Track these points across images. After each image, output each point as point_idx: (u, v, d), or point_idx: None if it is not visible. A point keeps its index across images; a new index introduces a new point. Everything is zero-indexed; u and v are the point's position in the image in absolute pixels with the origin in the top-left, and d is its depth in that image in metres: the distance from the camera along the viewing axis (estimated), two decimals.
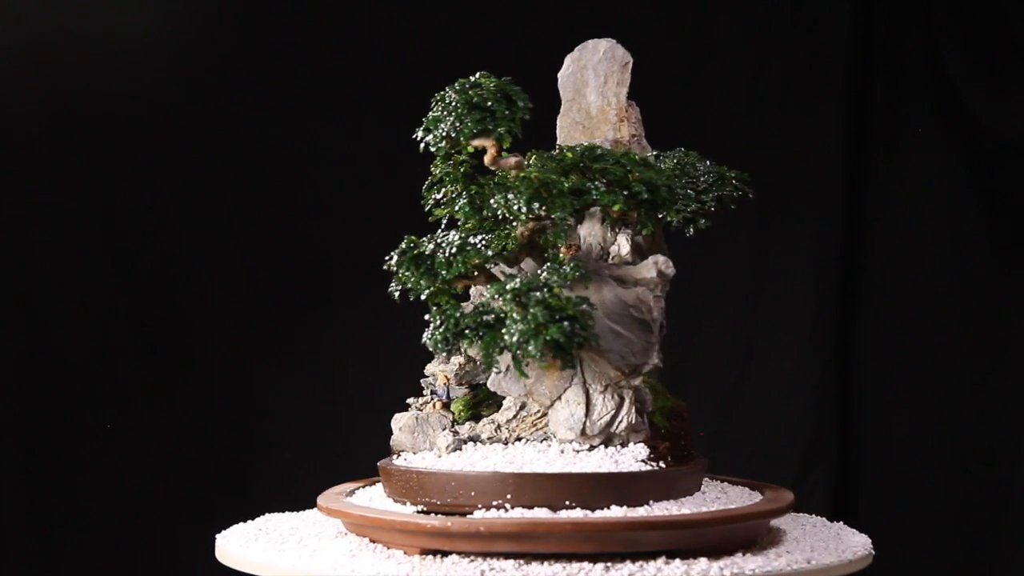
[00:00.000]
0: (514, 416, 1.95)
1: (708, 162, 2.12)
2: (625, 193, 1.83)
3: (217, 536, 2.04)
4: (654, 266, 1.85)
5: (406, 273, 1.92)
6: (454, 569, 1.72)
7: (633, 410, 1.86)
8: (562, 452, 1.86)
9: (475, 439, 1.96)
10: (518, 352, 1.71)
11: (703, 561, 1.70)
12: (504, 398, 2.01)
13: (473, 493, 1.80)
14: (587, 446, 1.87)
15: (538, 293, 1.75)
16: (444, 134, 1.94)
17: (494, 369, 1.90)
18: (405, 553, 1.80)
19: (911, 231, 3.31)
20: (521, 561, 1.73)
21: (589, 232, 1.96)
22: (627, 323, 1.83)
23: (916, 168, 3.30)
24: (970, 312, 3.24)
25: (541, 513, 1.76)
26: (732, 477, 2.16)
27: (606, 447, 1.87)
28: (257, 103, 3.33)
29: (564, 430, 1.89)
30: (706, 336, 3.33)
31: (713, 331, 3.34)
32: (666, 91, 3.24)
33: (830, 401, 3.36)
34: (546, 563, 1.72)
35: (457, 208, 1.97)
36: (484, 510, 1.79)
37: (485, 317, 1.77)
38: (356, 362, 3.28)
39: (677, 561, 1.71)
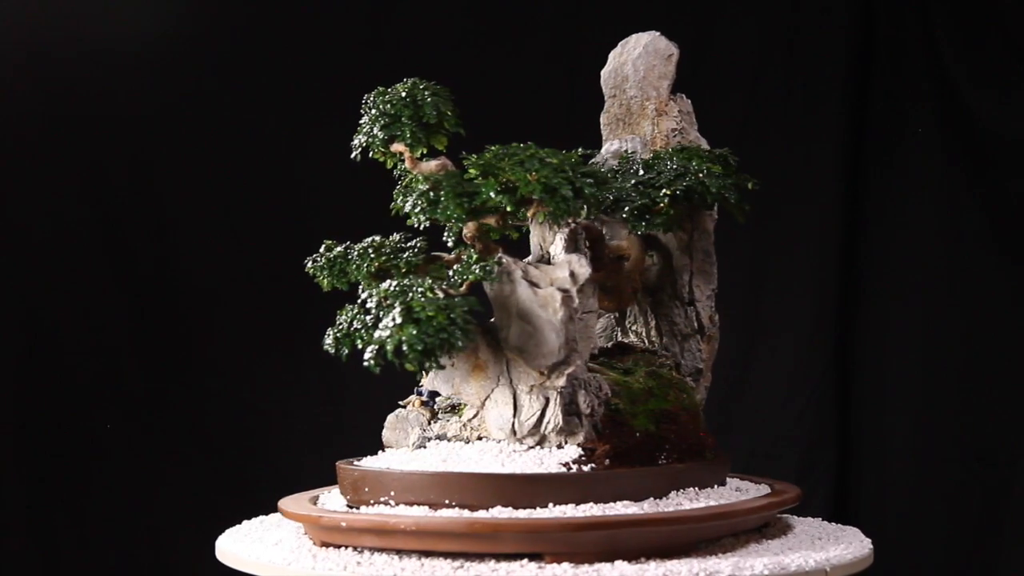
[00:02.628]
0: (475, 415, 1.96)
1: (675, 157, 2.07)
2: (521, 195, 1.83)
3: (217, 536, 2.04)
4: (567, 266, 1.85)
5: (325, 276, 1.99)
6: (326, 559, 1.75)
7: (559, 411, 1.84)
8: (499, 452, 1.87)
9: (442, 437, 1.98)
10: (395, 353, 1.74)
11: (565, 565, 1.67)
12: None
13: (367, 489, 1.85)
14: (524, 447, 1.87)
15: (412, 294, 1.77)
16: (361, 142, 1.98)
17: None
18: (314, 544, 1.86)
19: (911, 230, 3.31)
20: (395, 556, 1.75)
21: (534, 232, 1.97)
22: (539, 324, 1.83)
23: (916, 168, 3.30)
24: (970, 311, 3.24)
25: (413, 511, 1.78)
26: (772, 480, 2.14)
27: (541, 448, 1.86)
28: (258, 104, 3.33)
29: (495, 430, 1.90)
30: None
31: None
32: None
33: (830, 401, 3.36)
34: (416, 559, 1.73)
35: (407, 210, 2.00)
36: (373, 505, 1.83)
37: (367, 317, 1.80)
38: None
39: (531, 564, 1.68)
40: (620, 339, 2.21)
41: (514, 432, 1.87)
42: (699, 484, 1.94)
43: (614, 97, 2.26)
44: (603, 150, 2.23)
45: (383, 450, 2.07)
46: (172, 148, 3.30)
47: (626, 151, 2.18)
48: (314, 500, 2.03)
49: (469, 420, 1.96)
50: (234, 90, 3.33)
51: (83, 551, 3.24)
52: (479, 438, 1.94)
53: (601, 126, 2.28)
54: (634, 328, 2.21)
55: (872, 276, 3.36)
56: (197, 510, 3.18)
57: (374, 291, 1.83)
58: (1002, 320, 3.21)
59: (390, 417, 2.08)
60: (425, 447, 1.98)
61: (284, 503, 1.98)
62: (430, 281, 1.82)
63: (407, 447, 2.02)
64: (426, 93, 1.97)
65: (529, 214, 1.89)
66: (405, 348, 1.72)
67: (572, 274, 1.85)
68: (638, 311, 2.21)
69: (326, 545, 1.84)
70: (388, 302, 1.78)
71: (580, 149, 2.21)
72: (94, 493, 3.24)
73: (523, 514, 1.73)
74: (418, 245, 2.03)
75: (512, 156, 1.85)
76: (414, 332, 1.71)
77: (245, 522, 2.13)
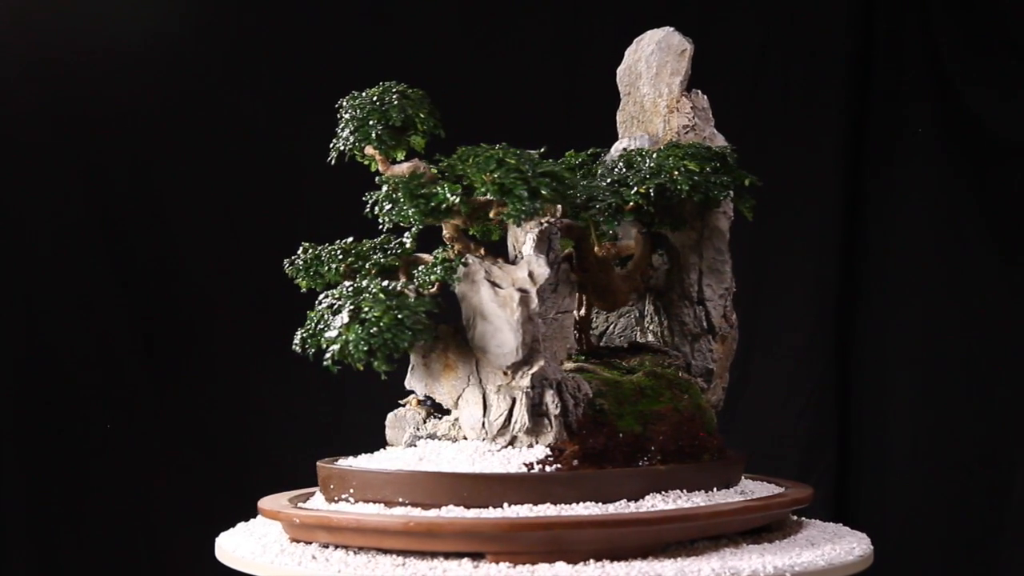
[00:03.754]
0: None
1: (655, 154, 2.03)
2: (470, 196, 1.87)
3: (217, 536, 2.04)
4: (526, 266, 1.86)
5: (302, 277, 2.07)
6: (290, 554, 1.80)
7: (524, 411, 1.85)
8: (474, 452, 1.88)
9: (432, 436, 2.00)
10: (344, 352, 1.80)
11: (502, 565, 1.68)
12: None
13: (332, 487, 1.90)
14: (498, 446, 1.88)
15: (365, 294, 1.83)
16: (336, 146, 2.03)
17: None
18: (288, 540, 1.90)
19: (911, 231, 3.31)
20: (353, 552, 1.78)
21: (510, 232, 1.97)
22: (499, 323, 1.85)
23: (916, 168, 3.30)
24: (970, 312, 3.24)
25: (369, 508, 1.82)
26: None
27: (512, 448, 1.87)
28: (258, 104, 3.33)
29: (468, 430, 1.92)
30: None
31: None
32: None
33: (830, 401, 3.36)
34: (371, 555, 1.76)
35: (372, 212, 2.03)
36: (337, 502, 1.88)
37: (328, 318, 1.86)
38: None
39: (468, 563, 1.69)
40: (637, 339, 2.19)
41: (485, 432, 1.89)
42: (689, 486, 1.89)
43: (629, 95, 2.23)
44: (612, 149, 2.22)
45: (385, 448, 2.08)
46: (172, 148, 3.30)
47: (626, 149, 2.17)
48: (307, 497, 2.04)
49: (456, 419, 1.97)
50: (235, 90, 3.33)
51: (82, 551, 3.24)
52: (464, 437, 1.95)
53: (617, 124, 2.25)
54: (651, 328, 2.19)
55: (872, 276, 3.35)
56: (196, 510, 3.18)
57: (331, 293, 1.89)
58: (1001, 320, 3.21)
59: (390, 416, 2.09)
60: (415, 445, 1.99)
61: (263, 500, 2.00)
62: (386, 282, 1.86)
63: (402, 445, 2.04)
64: (393, 96, 1.98)
65: (491, 215, 1.91)
66: (351, 348, 1.78)
67: (531, 274, 1.86)
68: (654, 311, 2.19)
69: (297, 541, 1.86)
70: (340, 303, 1.84)
71: (592, 148, 2.21)
72: (94, 493, 3.24)
73: (471, 513, 1.74)
74: (404, 245, 2.04)
75: (474, 157, 1.87)
76: (359, 332, 1.77)
77: (244, 523, 2.14)
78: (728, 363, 2.19)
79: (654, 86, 2.19)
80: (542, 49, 3.43)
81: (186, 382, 3.30)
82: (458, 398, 1.94)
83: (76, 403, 3.24)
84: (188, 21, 3.33)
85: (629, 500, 1.81)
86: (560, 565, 1.66)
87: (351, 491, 1.86)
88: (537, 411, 1.85)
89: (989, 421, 3.21)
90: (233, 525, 2.11)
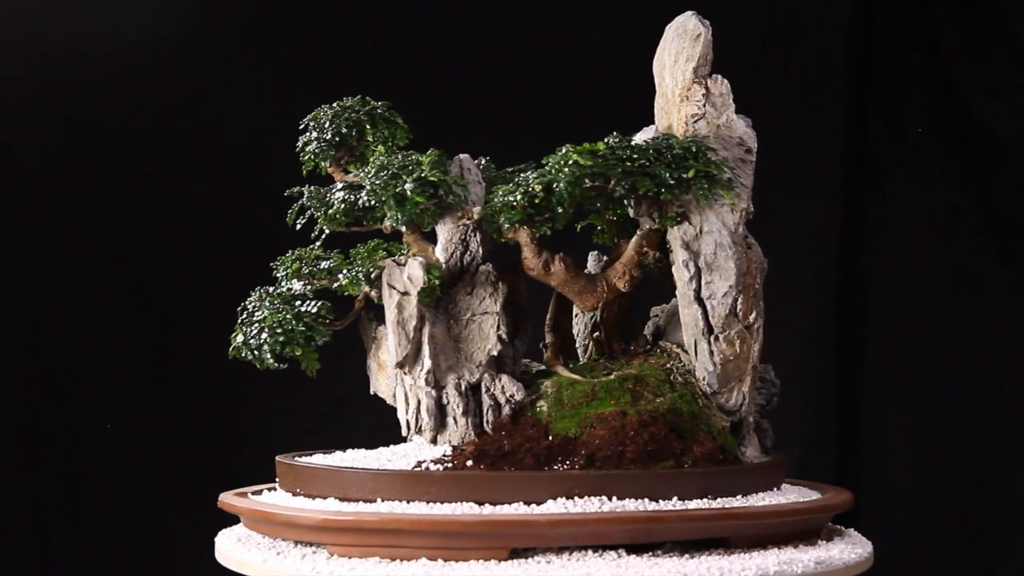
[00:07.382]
0: None
1: (564, 150, 1.94)
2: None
3: (217, 536, 2.04)
4: (407, 269, 1.94)
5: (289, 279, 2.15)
6: (232, 540, 1.94)
7: (425, 411, 1.91)
8: (408, 449, 1.95)
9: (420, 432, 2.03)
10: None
11: (323, 555, 1.76)
12: None
13: (275, 479, 2.05)
14: (424, 443, 1.95)
15: (269, 298, 2.00)
16: (306, 162, 2.15)
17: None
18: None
19: (911, 231, 3.31)
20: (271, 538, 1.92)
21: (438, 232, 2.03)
22: (390, 325, 1.94)
23: (916, 168, 3.30)
24: (969, 312, 3.24)
25: (281, 497, 1.96)
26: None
27: (436, 445, 1.93)
28: (259, 106, 3.33)
29: (402, 427, 1.99)
30: None
31: None
32: None
33: (830, 401, 3.36)
34: (280, 542, 1.89)
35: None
36: (272, 493, 2.03)
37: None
38: (355, 361, 3.27)
39: (305, 551, 1.80)
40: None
41: (408, 429, 1.96)
42: (621, 493, 1.78)
43: (659, 86, 2.14)
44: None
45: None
46: (171, 147, 3.30)
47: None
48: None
49: None
50: (235, 90, 3.33)
51: (83, 551, 3.24)
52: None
53: (655, 117, 2.18)
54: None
55: (872, 276, 3.35)
56: (197, 510, 3.17)
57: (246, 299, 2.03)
58: (1001, 320, 3.21)
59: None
60: (407, 441, 2.03)
61: (226, 493, 2.07)
62: (299, 285, 2.02)
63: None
64: (329, 113, 2.10)
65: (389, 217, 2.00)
66: (241, 348, 1.97)
67: (410, 277, 1.93)
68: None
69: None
70: (246, 306, 2.01)
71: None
72: (94, 493, 3.24)
73: (347, 507, 1.80)
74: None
75: (385, 164, 1.96)
76: (246, 333, 1.97)
77: (243, 523, 2.14)
78: (748, 365, 2.00)
79: (673, 75, 2.10)
80: (544, 47, 3.42)
81: (186, 382, 3.30)
82: (393, 395, 2.02)
83: (76, 403, 3.24)
84: (188, 22, 3.32)
85: (527, 503, 1.77)
86: (374, 560, 1.72)
87: (277, 482, 2.00)
88: (443, 411, 1.92)
89: (989, 421, 3.21)
90: (231, 525, 2.12)
